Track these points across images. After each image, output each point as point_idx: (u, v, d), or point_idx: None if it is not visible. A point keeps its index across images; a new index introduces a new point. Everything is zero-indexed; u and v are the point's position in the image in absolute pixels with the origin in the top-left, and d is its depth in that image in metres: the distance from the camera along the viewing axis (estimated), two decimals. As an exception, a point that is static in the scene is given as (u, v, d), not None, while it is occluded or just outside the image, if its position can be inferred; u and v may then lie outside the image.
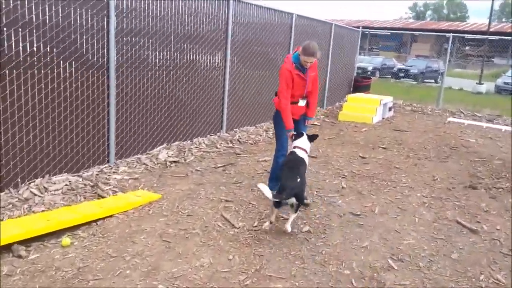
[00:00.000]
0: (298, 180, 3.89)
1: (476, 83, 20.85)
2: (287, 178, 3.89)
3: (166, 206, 4.42)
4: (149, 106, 6.02)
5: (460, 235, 4.12)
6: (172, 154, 6.26)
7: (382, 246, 3.83)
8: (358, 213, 4.49)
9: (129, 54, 5.53)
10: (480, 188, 5.42)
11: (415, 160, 6.66)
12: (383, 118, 10.93)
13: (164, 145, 6.45)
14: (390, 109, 11.51)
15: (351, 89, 13.62)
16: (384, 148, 7.34)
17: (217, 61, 7.28)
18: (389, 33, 35.71)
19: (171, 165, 5.81)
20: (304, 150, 4.41)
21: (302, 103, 4.68)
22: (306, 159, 4.38)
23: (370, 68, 26.28)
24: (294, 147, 4.40)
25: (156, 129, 6.25)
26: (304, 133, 4.62)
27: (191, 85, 6.74)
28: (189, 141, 6.95)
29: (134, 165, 5.65)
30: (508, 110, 12.52)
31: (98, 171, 5.25)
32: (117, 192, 4.72)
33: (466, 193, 5.27)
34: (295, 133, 4.56)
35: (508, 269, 3.57)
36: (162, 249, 3.52)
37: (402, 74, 24.92)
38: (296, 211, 3.96)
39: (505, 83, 20.72)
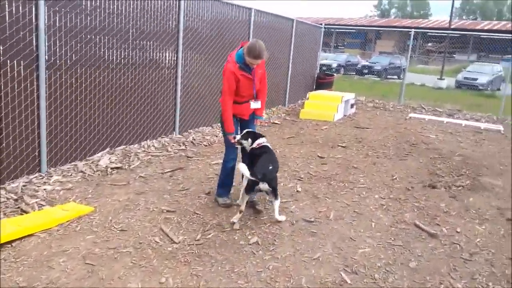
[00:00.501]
0: (270, 167, 3.96)
1: (438, 79, 21.12)
2: (260, 164, 3.95)
3: (98, 220, 3.93)
4: (89, 108, 5.49)
5: (418, 240, 3.83)
6: (115, 159, 5.74)
7: (336, 256, 3.49)
8: (312, 219, 4.14)
9: (63, 51, 4.99)
10: (440, 187, 5.19)
11: (374, 158, 6.41)
12: (345, 115, 10.72)
13: (107, 149, 5.93)
14: (352, 106, 11.32)
15: (314, 87, 13.39)
16: (343, 146, 7.06)
17: (167, 59, 6.80)
18: (354, 30, 36.05)
19: (113, 172, 5.31)
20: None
21: (254, 104, 4.39)
22: None
23: (334, 65, 26.29)
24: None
25: (97, 132, 5.72)
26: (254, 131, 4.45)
27: (138, 84, 6.24)
28: (136, 145, 6.45)
29: (70, 174, 5.12)
30: (468, 105, 12.59)
31: (26, 182, 4.69)
32: (43, 206, 4.20)
33: (425, 192, 5.02)
34: (238, 136, 4.30)
35: (469, 276, 3.29)
36: (82, 275, 3.05)
37: (366, 71, 25.04)
38: (276, 197, 4.01)
39: (465, 78, 21.07)
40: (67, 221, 3.85)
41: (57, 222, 3.80)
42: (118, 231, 3.74)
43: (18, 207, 4.13)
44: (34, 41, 4.66)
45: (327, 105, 10.28)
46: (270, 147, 4.33)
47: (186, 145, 6.80)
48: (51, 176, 4.94)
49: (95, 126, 5.67)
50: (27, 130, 4.75)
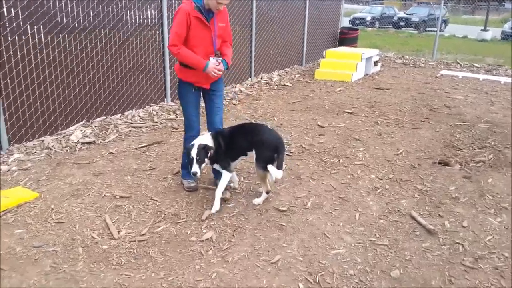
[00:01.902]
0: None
1: (481, 30, 19.16)
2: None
3: (38, 209, 3.45)
4: (62, 77, 4.96)
5: (411, 238, 3.09)
6: (90, 133, 5.24)
7: (299, 260, 2.83)
8: (285, 208, 3.47)
9: (28, 7, 4.40)
10: (453, 163, 4.34)
11: (383, 127, 5.55)
12: (366, 74, 9.72)
13: (83, 122, 5.43)
14: (376, 63, 10.25)
15: (337, 43, 12.29)
16: (350, 113, 6.21)
17: (150, 16, 6.10)
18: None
19: (82, 147, 4.81)
20: None
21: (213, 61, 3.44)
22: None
23: (368, 18, 24.64)
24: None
25: (71, 103, 5.21)
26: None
27: (119, 47, 5.61)
28: (119, 115, 5.91)
29: (34, 151, 4.66)
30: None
31: (-20, 162, 4.28)
32: (-10, 190, 3.76)
33: (434, 171, 4.19)
34: (220, 58, 3.47)
35: (467, 290, 2.57)
36: (-20, 284, 2.57)
37: (402, 23, 23.19)
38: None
39: (512, 28, 19.01)
40: (3, 211, 3.39)
41: (-11, 212, 3.34)
42: (53, 224, 3.24)
43: (-40, 192, 3.71)
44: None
45: (345, 64, 9.30)
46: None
47: (177, 114, 6.20)
48: (12, 154, 4.50)
49: (68, 96, 5.14)
50: (-22, 105, 4.28)
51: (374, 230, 3.17)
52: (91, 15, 5.24)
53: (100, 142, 5.01)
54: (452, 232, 3.13)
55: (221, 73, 3.45)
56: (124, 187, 3.88)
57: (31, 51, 4.66)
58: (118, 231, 3.17)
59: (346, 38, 12.07)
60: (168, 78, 6.54)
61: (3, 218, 3.31)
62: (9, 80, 4.50)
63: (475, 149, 4.76)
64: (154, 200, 3.65)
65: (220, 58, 3.46)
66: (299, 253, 2.90)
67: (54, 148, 4.75)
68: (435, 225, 3.21)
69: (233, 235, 3.13)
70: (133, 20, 5.84)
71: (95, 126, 5.44)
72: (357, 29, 12.60)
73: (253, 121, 5.74)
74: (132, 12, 5.80)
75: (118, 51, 5.70)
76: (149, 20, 6.09)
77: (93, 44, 5.34)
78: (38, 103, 4.83)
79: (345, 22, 22.80)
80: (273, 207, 3.52)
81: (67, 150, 4.72)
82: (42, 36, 4.76)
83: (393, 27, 23.50)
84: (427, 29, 22.98)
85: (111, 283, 2.60)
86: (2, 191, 3.70)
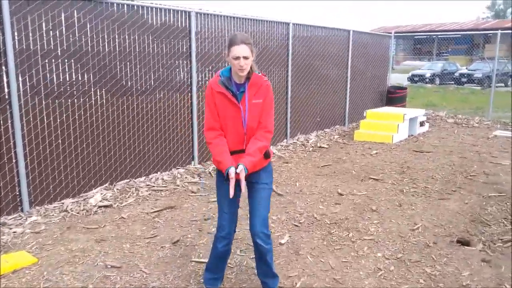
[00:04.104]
0: None
1: (552, 85, 17.84)
2: None
3: (31, 276, 3.52)
4: (82, 140, 5.24)
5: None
6: (110, 196, 5.40)
7: None
8: (270, 290, 3.24)
9: (48, 77, 4.79)
10: (476, 243, 3.87)
11: (407, 197, 5.16)
12: (411, 136, 9.31)
13: (106, 185, 5.63)
14: (422, 123, 9.82)
15: (384, 102, 12.02)
16: (376, 179, 5.88)
17: (181, 79, 6.36)
18: (459, 35, 32.71)
19: (98, 211, 4.95)
20: None
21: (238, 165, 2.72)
22: None
23: (428, 75, 24.04)
24: None
25: (95, 166, 5.45)
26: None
27: (148, 110, 5.87)
28: (143, 178, 6.07)
29: (52, 213, 4.87)
30: None
31: (-1, 224, 4.52)
32: (-2, 253, 3.93)
33: (450, 251, 3.76)
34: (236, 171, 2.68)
35: None
36: None
37: (464, 80, 22.29)
38: None
39: None
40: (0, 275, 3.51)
41: (-16, 277, 3.47)
42: (39, 293, 3.28)
43: (-29, 254, 3.92)
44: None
45: (386, 125, 8.99)
46: None
47: (201, 177, 6.26)
48: (31, 217, 4.73)
49: (91, 160, 5.40)
50: (3, 169, 4.60)
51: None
52: (122, 79, 5.57)
53: (117, 205, 5.13)
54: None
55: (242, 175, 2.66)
56: (120, 255, 3.88)
57: (57, 118, 5.00)
58: (96, 304, 3.13)
59: (393, 97, 11.78)
60: (196, 139, 6.68)
61: (-3, 284, 3.41)
62: (34, 145, 4.82)
63: (506, 226, 4.24)
64: (143, 271, 3.59)
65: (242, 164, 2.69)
66: None
67: (72, 211, 4.92)
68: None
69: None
70: (163, 83, 6.11)
71: (117, 189, 5.61)
72: (405, 88, 12.27)
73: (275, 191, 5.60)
74: (161, 74, 6.08)
75: (147, 114, 5.95)
76: (179, 83, 6.35)
77: (124, 106, 5.62)
78: (61, 167, 5.10)
79: (401, 80, 22.45)
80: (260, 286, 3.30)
81: (82, 214, 4.88)
82: (69, 102, 5.11)
83: (454, 83, 22.66)
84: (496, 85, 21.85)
85: None
86: (4, 255, 3.85)
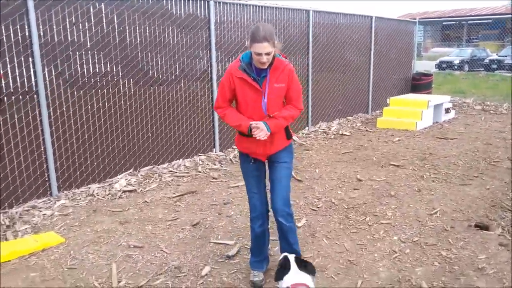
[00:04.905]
0: None
1: None
2: None
3: (58, 254, 3.72)
4: (107, 127, 5.41)
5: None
6: (134, 181, 5.58)
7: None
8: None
9: (72, 67, 4.98)
10: (495, 227, 3.84)
11: (427, 182, 5.12)
12: (437, 122, 9.16)
13: (130, 171, 5.81)
14: (447, 110, 9.63)
15: (409, 90, 11.82)
16: (396, 165, 5.85)
17: (201, 67, 6.46)
18: (490, 21, 31.60)
19: (122, 195, 5.14)
20: None
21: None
22: None
23: (457, 62, 23.40)
24: None
25: (119, 153, 5.63)
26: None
27: (167, 98, 6.00)
28: (166, 164, 6.23)
29: (79, 197, 5.08)
30: None
31: (30, 207, 4.76)
32: (29, 233, 4.16)
33: (467, 235, 3.74)
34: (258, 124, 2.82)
35: None
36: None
37: (494, 66, 21.58)
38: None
39: None
40: (29, 254, 3.72)
41: (17, 254, 3.68)
42: (65, 269, 3.47)
43: (4, 234, 4.15)
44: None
45: (410, 112, 8.87)
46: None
47: (222, 164, 6.37)
48: (59, 200, 4.95)
49: (115, 147, 5.58)
50: (33, 155, 4.82)
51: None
52: (144, 68, 5.72)
53: (141, 190, 5.30)
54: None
55: (263, 135, 2.79)
56: (142, 236, 4.03)
57: (82, 107, 5.19)
58: (119, 281, 3.28)
59: (418, 84, 11.57)
60: (216, 127, 6.79)
61: (27, 261, 3.62)
62: (61, 132, 5.03)
63: (528, 211, 4.18)
64: (164, 251, 3.74)
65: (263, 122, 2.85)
66: (282, 320, 2.74)
67: (98, 195, 5.13)
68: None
69: (220, 298, 3.07)
70: (185, 73, 6.23)
71: (141, 175, 5.79)
72: (431, 75, 12.02)
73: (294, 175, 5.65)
74: (182, 63, 6.19)
75: (169, 102, 6.08)
76: (199, 72, 6.45)
77: (146, 95, 5.77)
78: (88, 153, 5.30)
79: (429, 67, 21.93)
80: (275, 266, 3.39)
81: (108, 198, 5.07)
82: (105, 88, 5.29)
83: (484, 70, 21.98)
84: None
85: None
86: (34, 235, 4.07)
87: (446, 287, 3.00)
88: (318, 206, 4.59)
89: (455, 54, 24.86)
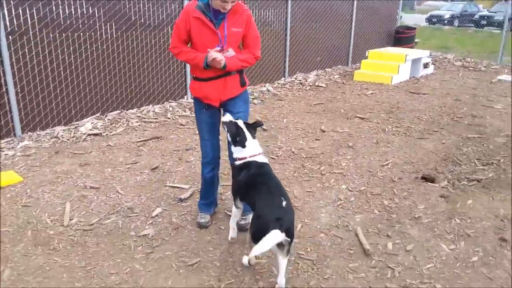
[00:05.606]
0: (284, 204, 2.52)
1: None
2: (266, 206, 2.53)
3: (15, 192, 3.80)
4: (74, 70, 5.34)
5: (341, 257, 2.92)
6: (101, 125, 5.59)
7: (216, 265, 2.82)
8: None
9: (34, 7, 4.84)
10: (440, 180, 3.98)
11: (387, 135, 5.24)
12: (413, 77, 9.18)
13: (98, 114, 5.81)
14: (426, 65, 9.62)
15: (392, 43, 11.71)
16: (361, 118, 5.93)
17: (171, 13, 6.32)
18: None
19: (87, 138, 5.17)
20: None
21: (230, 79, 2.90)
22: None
23: (446, 16, 23.07)
24: (249, 157, 2.78)
25: (85, 97, 5.60)
26: (241, 121, 2.86)
27: (140, 44, 5.90)
28: (135, 109, 6.23)
29: (43, 139, 5.10)
30: None
31: (-8, 147, 4.78)
32: (-12, 173, 4.21)
33: (412, 186, 3.89)
34: (218, 56, 2.75)
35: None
36: None
37: (484, 22, 21.32)
38: (288, 253, 2.50)
39: None
40: (-14, 192, 3.79)
41: (-28, 192, 3.76)
42: (20, 207, 3.56)
43: (-36, 173, 4.20)
44: None
45: (387, 65, 8.86)
46: (268, 164, 2.85)
47: (192, 111, 6.38)
48: (22, 141, 4.97)
49: (81, 90, 5.54)
50: (-6, 95, 4.78)
51: (309, 243, 3.05)
52: (112, 9, 5.57)
53: (106, 134, 5.33)
54: (390, 255, 2.91)
55: (219, 57, 2.73)
56: (100, 178, 4.12)
57: (45, 48, 5.08)
58: (70, 219, 3.39)
59: (401, 37, 11.46)
60: (188, 74, 6.74)
61: (-17, 199, 3.70)
62: (23, 74, 4.96)
63: (477, 166, 4.32)
64: (119, 193, 3.83)
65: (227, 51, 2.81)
66: (220, 258, 2.89)
67: (62, 137, 5.15)
68: (376, 245, 3.01)
69: (171, 234, 3.20)
70: (155, 17, 6.08)
71: (108, 119, 5.80)
72: (414, 28, 11.87)
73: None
74: (154, 9, 6.04)
75: (142, 49, 5.98)
76: (171, 17, 6.30)
77: (118, 42, 5.66)
78: (52, 95, 5.26)
79: (420, 20, 21.58)
80: (224, 209, 3.52)
81: (72, 140, 5.10)
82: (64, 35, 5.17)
83: (474, 25, 21.73)
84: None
85: (35, 266, 2.81)
86: (-6, 174, 4.13)
87: (380, 233, 3.17)
88: (278, 154, 4.69)
89: (446, 8, 24.45)
